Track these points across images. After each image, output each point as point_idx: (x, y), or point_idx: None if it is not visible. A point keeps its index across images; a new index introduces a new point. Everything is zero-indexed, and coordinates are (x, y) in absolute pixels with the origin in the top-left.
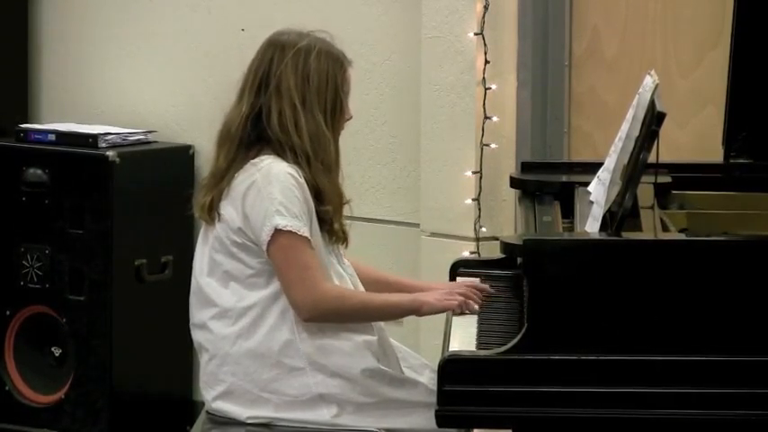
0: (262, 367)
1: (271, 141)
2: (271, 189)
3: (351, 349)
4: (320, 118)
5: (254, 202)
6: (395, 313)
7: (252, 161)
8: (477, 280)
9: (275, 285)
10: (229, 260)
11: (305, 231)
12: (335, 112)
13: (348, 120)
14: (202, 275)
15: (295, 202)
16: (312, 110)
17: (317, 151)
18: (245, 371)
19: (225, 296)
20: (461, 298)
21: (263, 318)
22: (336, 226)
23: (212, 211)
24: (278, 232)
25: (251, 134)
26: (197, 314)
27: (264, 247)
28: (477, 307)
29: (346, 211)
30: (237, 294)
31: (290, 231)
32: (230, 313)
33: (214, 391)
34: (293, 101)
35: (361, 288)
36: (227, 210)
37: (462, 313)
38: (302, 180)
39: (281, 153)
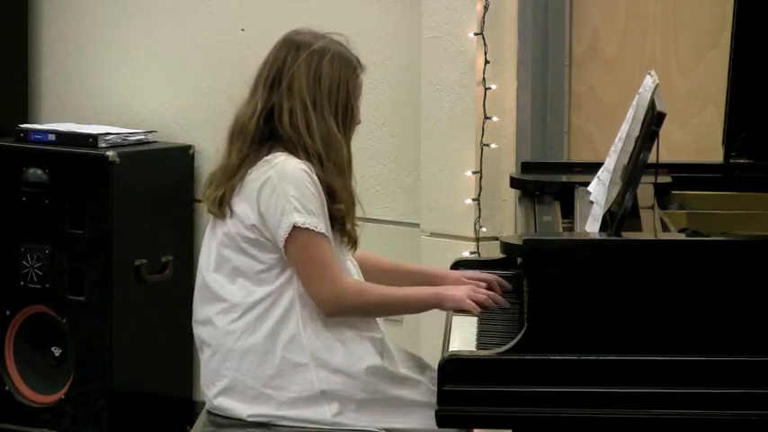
0: (265, 363)
1: (283, 139)
2: (286, 186)
3: (355, 346)
4: (331, 120)
5: (269, 200)
6: (417, 306)
7: (265, 158)
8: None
9: (282, 280)
10: (239, 256)
11: (322, 228)
12: (347, 117)
13: (357, 124)
14: (209, 271)
15: (311, 198)
16: (323, 112)
17: (328, 152)
18: (248, 366)
19: (232, 291)
20: (484, 298)
21: (269, 313)
22: (348, 226)
23: (223, 207)
24: (296, 230)
25: (263, 130)
26: (201, 310)
27: (282, 245)
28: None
29: (357, 211)
30: (245, 290)
31: (308, 228)
32: (237, 308)
33: (216, 388)
34: (304, 101)
35: None
36: (241, 206)
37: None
38: (315, 177)
39: (293, 151)
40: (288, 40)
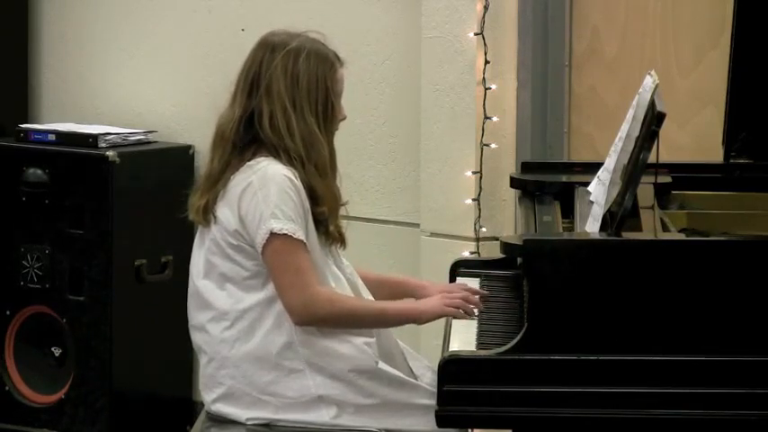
0: (260, 370)
1: (265, 143)
2: (267, 191)
3: (349, 351)
4: (312, 120)
5: (249, 205)
6: (391, 321)
7: (248, 163)
8: (476, 281)
9: (271, 287)
10: (225, 262)
11: (300, 234)
12: (327, 114)
13: (342, 120)
14: (199, 278)
15: (290, 204)
16: (303, 112)
17: (309, 154)
18: (244, 374)
19: (221, 299)
20: (460, 302)
21: (260, 320)
22: (332, 228)
23: (207, 214)
24: (273, 236)
25: (244, 137)
26: (195, 316)
27: (259, 250)
28: (476, 311)
29: (343, 212)
30: (234, 297)
31: (286, 234)
32: (227, 316)
33: (213, 394)
34: (284, 103)
35: (363, 288)
36: (223, 212)
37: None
38: (298, 182)
39: (275, 155)
40: (263, 43)
